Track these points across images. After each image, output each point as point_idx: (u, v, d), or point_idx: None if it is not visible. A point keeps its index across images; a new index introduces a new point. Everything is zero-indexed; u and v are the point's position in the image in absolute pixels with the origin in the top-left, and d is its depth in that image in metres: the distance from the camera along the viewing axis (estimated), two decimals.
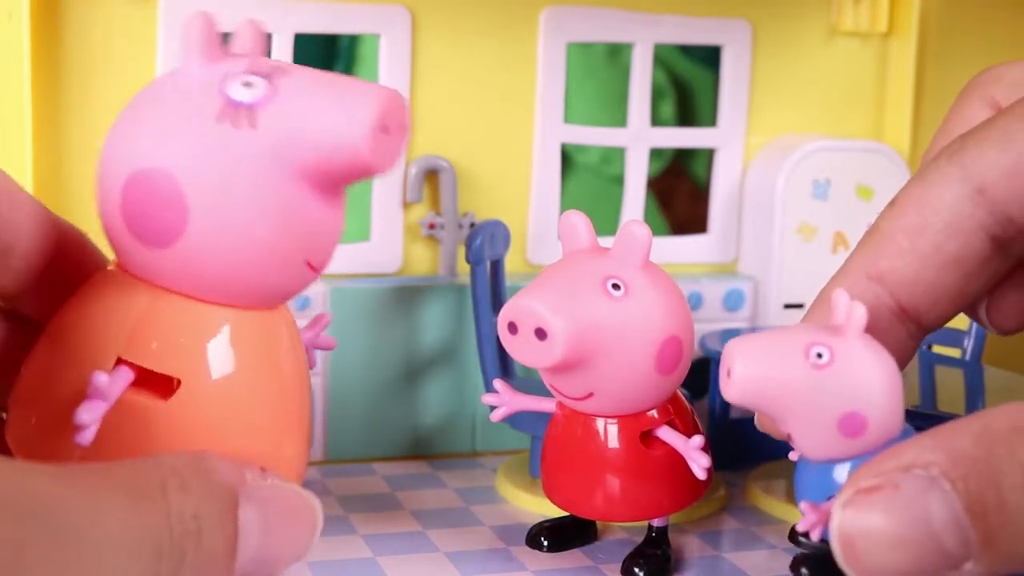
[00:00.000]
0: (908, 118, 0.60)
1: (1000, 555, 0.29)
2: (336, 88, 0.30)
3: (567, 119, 0.57)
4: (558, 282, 0.39)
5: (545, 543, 0.45)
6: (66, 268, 0.34)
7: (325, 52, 0.64)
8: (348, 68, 0.64)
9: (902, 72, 0.60)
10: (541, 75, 0.55)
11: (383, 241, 0.54)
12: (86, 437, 0.29)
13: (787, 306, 0.58)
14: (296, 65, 0.31)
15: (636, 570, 0.43)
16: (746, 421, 0.43)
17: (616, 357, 0.39)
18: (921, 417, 0.41)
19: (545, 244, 0.56)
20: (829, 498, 0.33)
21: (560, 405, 0.43)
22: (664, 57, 0.67)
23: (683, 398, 0.43)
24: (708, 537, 0.47)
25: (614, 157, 0.65)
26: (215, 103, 0.30)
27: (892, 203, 0.37)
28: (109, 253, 0.33)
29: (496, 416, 0.44)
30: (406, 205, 0.54)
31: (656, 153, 0.63)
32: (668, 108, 0.67)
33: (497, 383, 0.44)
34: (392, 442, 0.54)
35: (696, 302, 0.57)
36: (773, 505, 0.49)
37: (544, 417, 0.43)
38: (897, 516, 0.29)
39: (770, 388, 0.33)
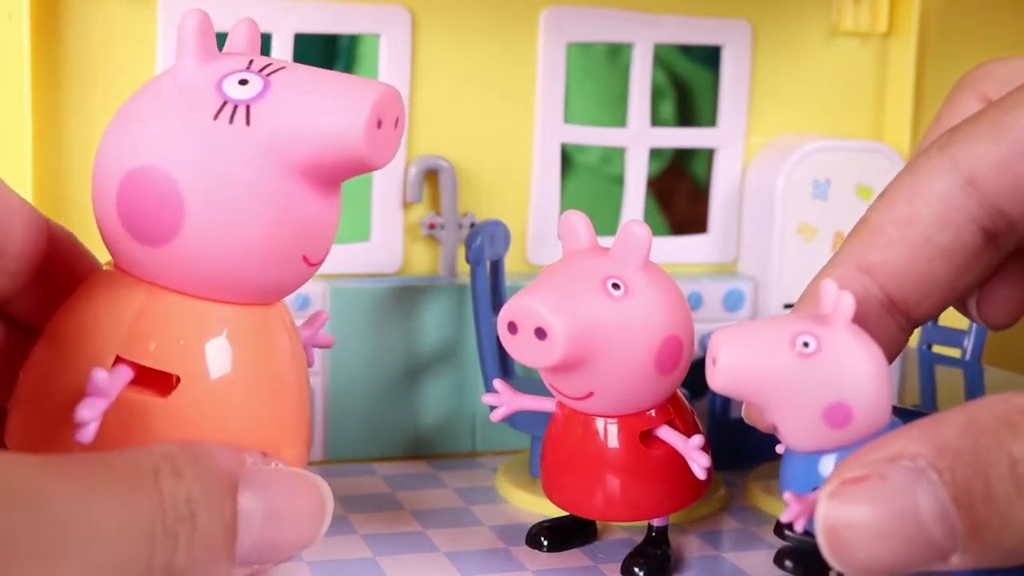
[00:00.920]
0: (908, 118, 0.60)
1: (987, 546, 0.29)
2: (331, 84, 0.30)
3: (567, 119, 0.57)
4: (558, 282, 0.39)
5: (545, 543, 0.45)
6: (57, 271, 0.34)
7: (325, 52, 0.64)
8: (348, 68, 0.64)
9: (902, 72, 0.60)
10: (541, 75, 0.55)
11: (383, 241, 0.54)
12: (87, 434, 0.29)
13: (787, 306, 0.58)
14: (291, 62, 0.31)
15: (636, 570, 0.43)
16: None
17: (616, 357, 0.39)
18: (921, 417, 0.40)
19: (545, 244, 0.56)
20: (814, 489, 0.33)
21: (560, 405, 0.43)
22: (664, 57, 0.67)
23: (683, 398, 0.43)
24: (708, 537, 0.47)
25: (614, 157, 0.65)
26: (211, 101, 0.30)
27: (882, 195, 0.37)
28: (102, 254, 0.33)
29: (496, 416, 0.44)
30: (406, 205, 0.54)
31: (656, 153, 0.63)
32: (668, 108, 0.67)
33: (497, 383, 0.44)
34: (392, 442, 0.54)
35: (696, 302, 0.57)
36: (773, 505, 0.49)
37: (544, 417, 0.43)
38: (883, 507, 0.29)
39: (755, 377, 0.33)
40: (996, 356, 0.56)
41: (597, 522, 0.46)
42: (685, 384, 0.44)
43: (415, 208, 0.55)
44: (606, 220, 0.57)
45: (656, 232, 0.51)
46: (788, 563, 0.42)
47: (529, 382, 0.48)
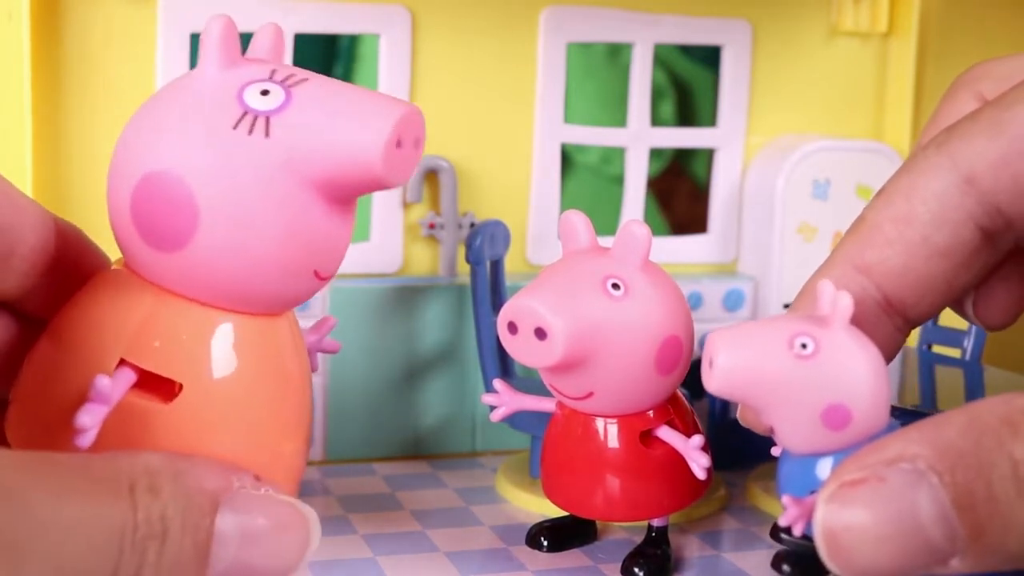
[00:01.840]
0: (908, 118, 0.60)
1: (988, 549, 0.28)
2: (353, 100, 0.30)
3: (567, 119, 0.57)
4: (558, 282, 0.39)
5: (545, 543, 0.45)
6: (67, 267, 0.34)
7: (325, 52, 0.64)
8: (348, 68, 0.64)
9: (902, 72, 0.60)
10: (541, 75, 0.55)
11: (383, 241, 0.54)
12: (86, 440, 0.29)
13: (787, 306, 0.57)
14: (315, 74, 0.31)
15: (636, 570, 0.43)
16: None
17: (616, 357, 0.39)
18: (921, 417, 0.40)
19: (545, 244, 0.56)
20: (812, 492, 0.32)
21: (560, 405, 0.43)
22: (664, 57, 0.67)
23: (683, 398, 0.43)
24: (708, 537, 0.47)
25: (614, 157, 0.65)
26: (231, 109, 0.30)
27: (880, 193, 0.37)
28: (112, 252, 0.33)
29: (496, 416, 0.44)
30: (406, 205, 0.54)
31: (656, 153, 0.63)
32: (668, 108, 0.67)
33: (497, 383, 0.44)
34: (392, 442, 0.54)
35: (696, 302, 0.57)
36: (773, 505, 0.49)
37: (544, 417, 0.43)
38: (882, 510, 0.29)
39: (753, 379, 0.33)
40: (996, 356, 0.56)
41: (597, 522, 0.46)
42: (685, 384, 0.44)
43: (415, 208, 0.55)
44: (606, 220, 0.57)
45: (656, 232, 0.51)
46: (786, 567, 0.42)
47: (529, 382, 0.48)
